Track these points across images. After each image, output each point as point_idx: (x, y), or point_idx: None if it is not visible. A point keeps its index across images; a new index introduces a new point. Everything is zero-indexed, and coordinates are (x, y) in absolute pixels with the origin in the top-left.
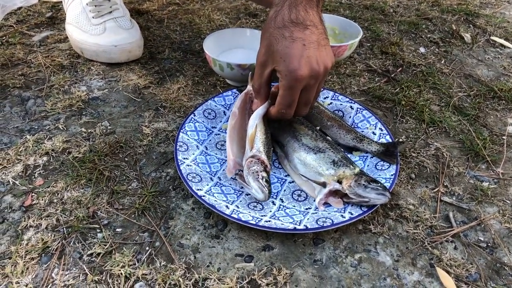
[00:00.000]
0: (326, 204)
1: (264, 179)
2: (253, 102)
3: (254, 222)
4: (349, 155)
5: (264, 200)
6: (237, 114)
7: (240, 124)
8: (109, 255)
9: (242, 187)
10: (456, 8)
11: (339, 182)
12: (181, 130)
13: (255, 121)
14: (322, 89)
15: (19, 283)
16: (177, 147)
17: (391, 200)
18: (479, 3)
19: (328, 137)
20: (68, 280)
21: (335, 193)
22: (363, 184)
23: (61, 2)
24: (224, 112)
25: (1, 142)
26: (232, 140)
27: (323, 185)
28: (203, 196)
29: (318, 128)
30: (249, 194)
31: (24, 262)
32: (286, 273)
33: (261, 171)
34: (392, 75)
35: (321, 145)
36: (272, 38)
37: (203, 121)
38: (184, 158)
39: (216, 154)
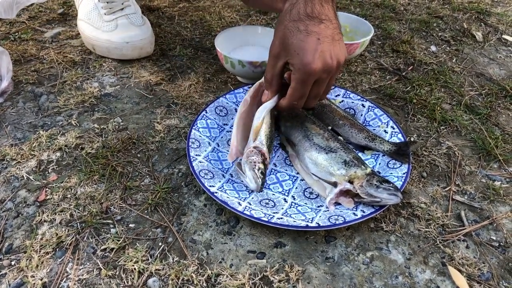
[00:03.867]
0: (337, 204)
1: (260, 171)
2: (263, 94)
3: (266, 219)
4: (361, 154)
5: (256, 190)
6: (248, 102)
7: (248, 113)
8: (122, 251)
9: None
10: (467, 6)
11: (351, 182)
12: (193, 127)
13: (262, 113)
14: (333, 86)
15: (34, 277)
16: (190, 144)
17: (403, 199)
18: (490, 1)
19: (339, 137)
20: (82, 275)
21: (346, 192)
22: (375, 184)
23: None
24: (235, 109)
25: (15, 137)
26: (238, 127)
27: (334, 184)
28: (216, 192)
29: (330, 127)
30: (261, 191)
31: (39, 256)
32: (298, 270)
33: (258, 162)
34: (403, 74)
35: (333, 145)
36: (286, 31)
37: (214, 118)
38: (197, 155)
39: (227, 151)
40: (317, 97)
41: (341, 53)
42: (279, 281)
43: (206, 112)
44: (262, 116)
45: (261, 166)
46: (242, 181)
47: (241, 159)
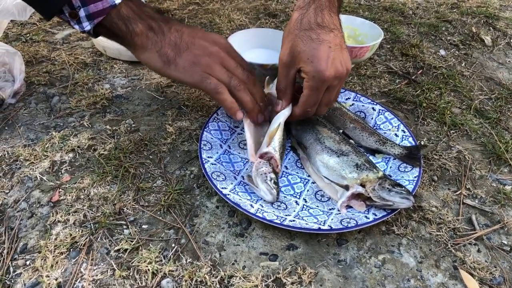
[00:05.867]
0: (348, 207)
1: (272, 181)
2: (276, 104)
3: (278, 222)
4: (371, 157)
5: (272, 202)
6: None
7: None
8: (136, 251)
9: None
10: (475, 11)
11: (362, 185)
12: (205, 129)
13: (279, 120)
14: (343, 90)
15: (49, 276)
16: (201, 146)
17: (414, 202)
18: (499, 6)
19: (351, 140)
20: (97, 275)
21: (357, 196)
22: (387, 188)
23: None
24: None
25: (28, 138)
26: (250, 130)
27: (346, 188)
28: (228, 194)
29: (341, 131)
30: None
31: (53, 256)
32: (311, 273)
33: (269, 173)
34: (413, 77)
35: (344, 148)
36: (297, 39)
37: (226, 121)
38: (209, 157)
39: (239, 153)
40: (328, 104)
41: (348, 60)
42: (292, 283)
43: (218, 115)
44: (278, 123)
45: (273, 176)
46: (253, 192)
47: (249, 173)
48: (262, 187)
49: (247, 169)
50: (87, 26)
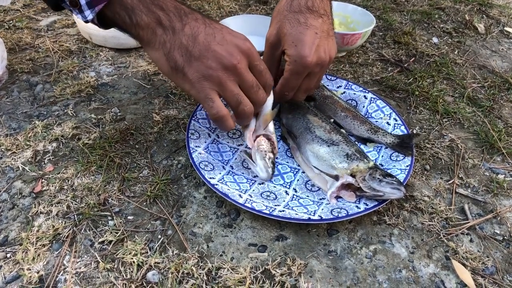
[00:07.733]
0: (338, 197)
1: (270, 160)
2: None
3: (268, 212)
4: (363, 146)
5: (266, 180)
6: None
7: None
8: (120, 243)
9: (255, 176)
10: None
11: (353, 175)
12: (193, 118)
13: (269, 106)
14: (334, 78)
15: (30, 269)
16: (189, 135)
17: (406, 192)
18: None
19: (342, 130)
20: (80, 268)
21: (347, 186)
22: (378, 178)
23: None
24: None
25: (10, 127)
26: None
27: (336, 178)
28: (216, 184)
29: (332, 120)
30: (262, 183)
31: (35, 248)
32: (301, 264)
33: (269, 152)
34: (405, 65)
35: (335, 138)
36: (286, 21)
37: None
38: (196, 146)
39: (228, 142)
40: (307, 91)
41: (333, 48)
42: (281, 274)
43: None
44: (270, 107)
45: (271, 155)
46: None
47: (247, 148)
48: (260, 163)
49: (235, 158)
50: (89, 15)
